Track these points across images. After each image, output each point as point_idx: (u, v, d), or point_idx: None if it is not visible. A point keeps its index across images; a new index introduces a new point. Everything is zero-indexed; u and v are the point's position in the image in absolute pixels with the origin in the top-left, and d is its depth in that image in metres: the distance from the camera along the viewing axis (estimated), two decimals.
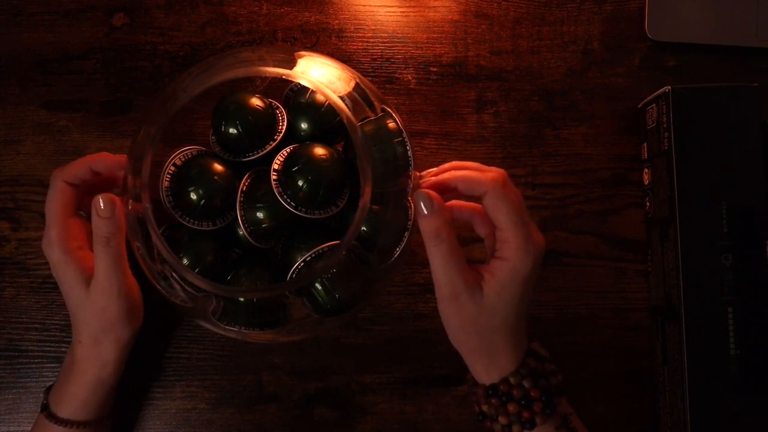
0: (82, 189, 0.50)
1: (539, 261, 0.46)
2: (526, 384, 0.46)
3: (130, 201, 0.45)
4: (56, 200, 0.49)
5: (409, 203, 0.47)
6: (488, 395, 0.46)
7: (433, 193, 0.45)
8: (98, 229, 0.47)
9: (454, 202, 0.49)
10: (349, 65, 0.49)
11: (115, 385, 0.53)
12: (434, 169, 0.48)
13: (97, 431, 0.52)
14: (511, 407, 0.46)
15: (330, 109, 0.49)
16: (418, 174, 0.48)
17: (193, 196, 0.46)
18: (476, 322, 0.46)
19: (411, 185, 0.46)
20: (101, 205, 0.46)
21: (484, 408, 0.47)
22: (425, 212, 0.45)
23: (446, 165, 0.48)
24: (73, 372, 0.51)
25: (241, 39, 0.60)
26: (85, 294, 0.49)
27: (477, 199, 0.47)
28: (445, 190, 0.48)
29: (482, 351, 0.47)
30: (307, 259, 0.45)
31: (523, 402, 0.46)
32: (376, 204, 0.45)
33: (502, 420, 0.46)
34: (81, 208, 0.51)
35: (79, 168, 0.49)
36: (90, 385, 0.51)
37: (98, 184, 0.52)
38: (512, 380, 0.46)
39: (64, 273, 0.49)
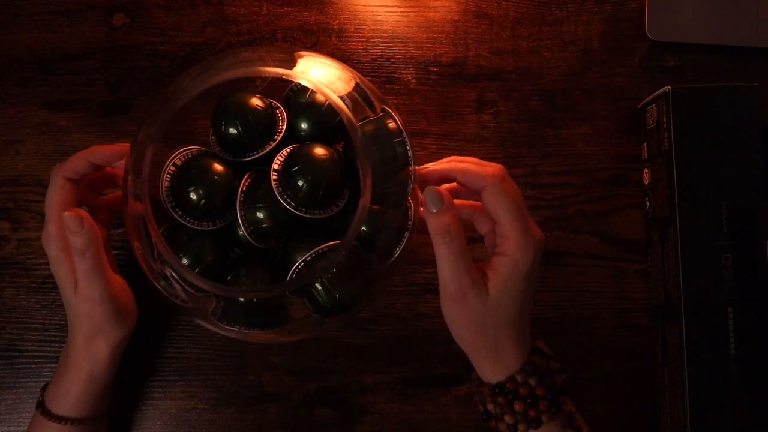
0: (82, 183, 0.50)
1: (539, 255, 0.46)
2: (532, 382, 0.46)
3: (130, 201, 0.45)
4: (56, 196, 0.49)
5: (409, 203, 0.47)
6: (494, 394, 0.46)
7: (441, 189, 0.45)
8: (72, 242, 0.47)
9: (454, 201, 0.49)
10: (349, 65, 0.49)
11: (110, 383, 0.53)
12: (432, 164, 0.48)
13: (94, 429, 0.52)
14: (517, 406, 0.46)
15: (330, 109, 0.49)
16: (417, 168, 0.48)
17: (193, 196, 0.46)
18: (482, 321, 0.45)
19: (411, 183, 0.46)
20: (68, 221, 0.47)
21: (490, 407, 0.47)
22: (434, 209, 0.45)
23: (445, 159, 0.48)
24: (66, 369, 0.51)
25: (241, 39, 0.60)
26: (74, 296, 0.49)
27: (475, 196, 0.47)
28: (444, 180, 0.47)
29: (488, 349, 0.46)
30: (307, 259, 0.45)
31: (529, 400, 0.46)
32: (376, 204, 0.44)
33: (507, 419, 0.46)
34: (82, 202, 0.51)
35: (78, 163, 0.49)
36: (83, 382, 0.51)
37: (98, 177, 0.52)
38: (518, 378, 0.46)
39: (59, 270, 0.49)
